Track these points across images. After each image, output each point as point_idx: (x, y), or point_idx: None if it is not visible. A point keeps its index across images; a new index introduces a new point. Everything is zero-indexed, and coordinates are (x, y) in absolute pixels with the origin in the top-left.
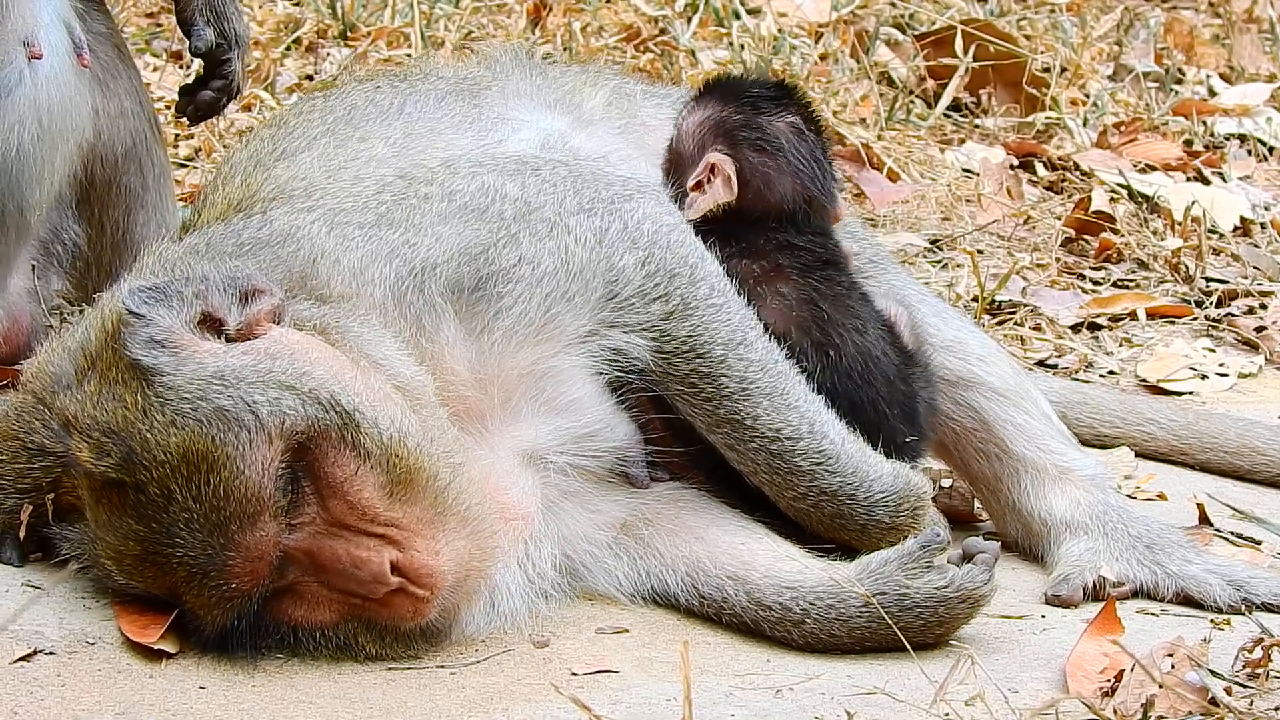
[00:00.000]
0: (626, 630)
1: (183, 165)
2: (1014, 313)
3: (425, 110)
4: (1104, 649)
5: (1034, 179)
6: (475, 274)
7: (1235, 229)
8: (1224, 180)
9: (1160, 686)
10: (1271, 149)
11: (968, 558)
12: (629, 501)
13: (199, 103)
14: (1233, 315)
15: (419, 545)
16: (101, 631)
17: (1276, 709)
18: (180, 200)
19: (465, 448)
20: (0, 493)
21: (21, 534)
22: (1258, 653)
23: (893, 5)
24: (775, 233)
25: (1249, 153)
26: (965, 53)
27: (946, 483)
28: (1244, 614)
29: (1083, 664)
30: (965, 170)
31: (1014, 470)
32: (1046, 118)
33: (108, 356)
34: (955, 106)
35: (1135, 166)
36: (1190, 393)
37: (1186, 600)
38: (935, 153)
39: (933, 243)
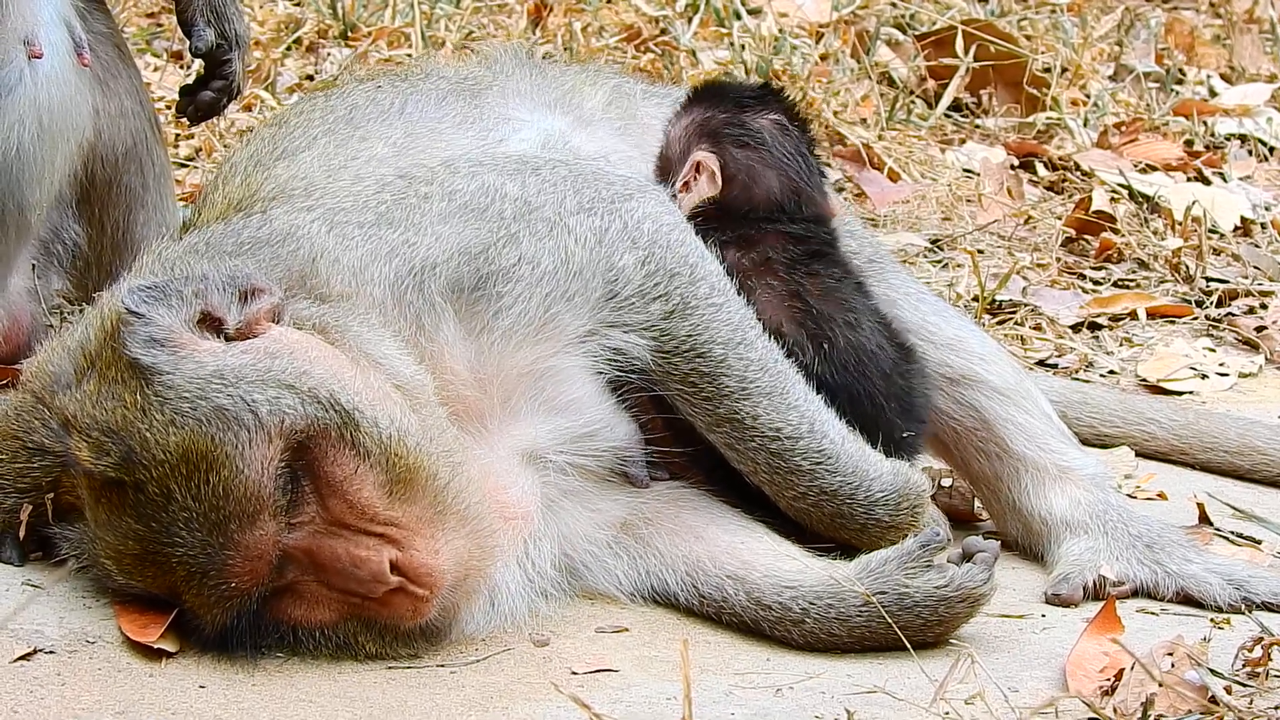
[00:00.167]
0: (626, 629)
1: (183, 165)
2: (1014, 312)
3: (426, 110)
4: (1104, 648)
5: (1034, 179)
6: (475, 273)
7: (1236, 229)
8: (1224, 180)
9: (1160, 685)
10: (1272, 149)
11: (967, 557)
12: (629, 501)
13: (199, 103)
14: (1233, 315)
15: (418, 544)
16: (101, 630)
17: (1276, 708)
18: (180, 200)
19: (465, 447)
20: (0, 492)
21: (21, 533)
22: (1257, 652)
23: (893, 5)
24: (767, 226)
25: (1249, 153)
26: (966, 53)
27: (947, 482)
28: (1244, 613)
29: (1083, 663)
30: (966, 170)
31: (1014, 469)
32: (1047, 118)
33: (107, 356)
34: (956, 106)
35: (1136, 166)
36: (1190, 392)
37: (1186, 599)
38: (936, 153)
39: (933, 242)
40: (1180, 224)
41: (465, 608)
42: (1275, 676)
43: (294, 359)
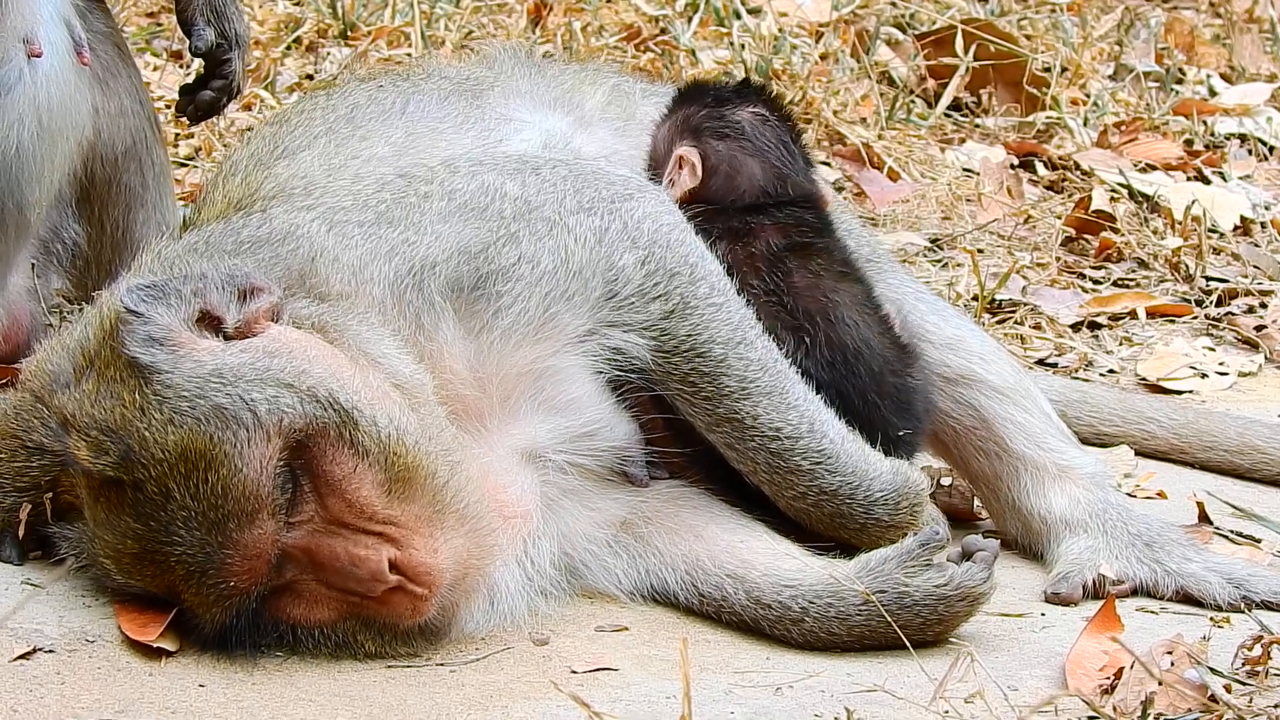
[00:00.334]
0: (626, 628)
1: (183, 165)
2: (1014, 311)
3: (428, 110)
4: (1103, 647)
5: (1034, 178)
6: (475, 273)
7: (1235, 228)
8: (1224, 180)
9: (1160, 684)
10: (1272, 149)
11: (967, 556)
12: (628, 500)
13: (199, 102)
14: (1233, 314)
15: (417, 543)
16: (101, 629)
17: (1276, 706)
18: (180, 200)
19: (464, 446)
20: None
21: (20, 532)
22: (1257, 650)
23: (893, 5)
24: (753, 220)
25: (1249, 152)
26: (966, 52)
27: (946, 481)
28: (1243, 612)
29: (1082, 661)
30: (965, 169)
31: (1014, 468)
32: (1047, 117)
33: (106, 355)
34: (956, 106)
35: (1135, 166)
36: (1190, 391)
37: (1186, 598)
38: (936, 152)
39: (933, 242)
40: (1180, 223)
41: (464, 607)
42: (1275, 675)
43: (293, 358)
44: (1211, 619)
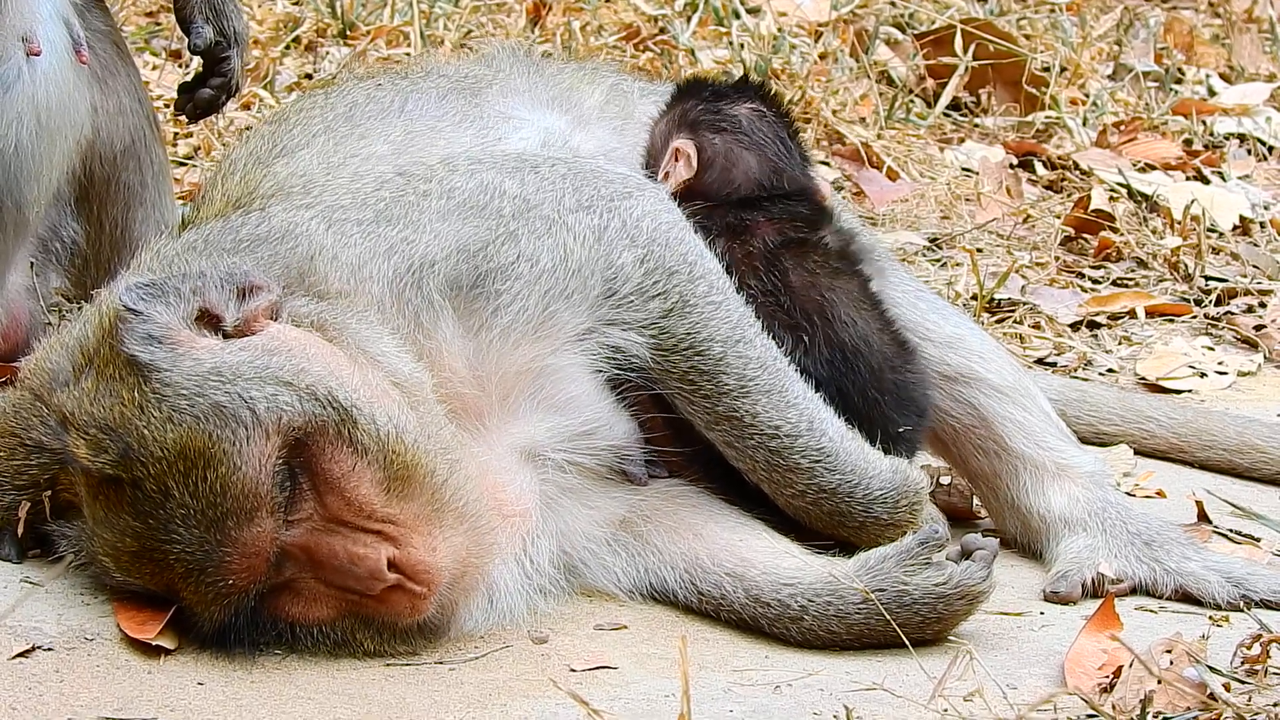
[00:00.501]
0: (625, 627)
1: (182, 164)
2: (1013, 311)
3: (427, 108)
4: (1103, 645)
5: (1033, 178)
6: (474, 271)
7: (1234, 228)
8: (1223, 179)
9: (1159, 682)
10: (1271, 148)
11: (966, 554)
12: (627, 498)
13: (198, 100)
14: (1232, 314)
15: (416, 542)
16: (100, 627)
17: (1275, 705)
18: (179, 198)
19: (463, 444)
20: None
21: (19, 530)
22: (1256, 649)
23: (892, 4)
24: (748, 217)
25: (1248, 152)
26: (965, 52)
27: (945, 480)
28: (1243, 610)
29: (1081, 660)
30: (965, 169)
31: (1013, 467)
32: (1046, 117)
33: (105, 353)
34: (955, 105)
35: (1135, 166)
36: (1189, 391)
37: (1185, 597)
38: (935, 151)
39: (932, 241)
40: (1179, 223)
41: (463, 605)
42: (1274, 674)
43: (292, 356)
44: (1210, 618)
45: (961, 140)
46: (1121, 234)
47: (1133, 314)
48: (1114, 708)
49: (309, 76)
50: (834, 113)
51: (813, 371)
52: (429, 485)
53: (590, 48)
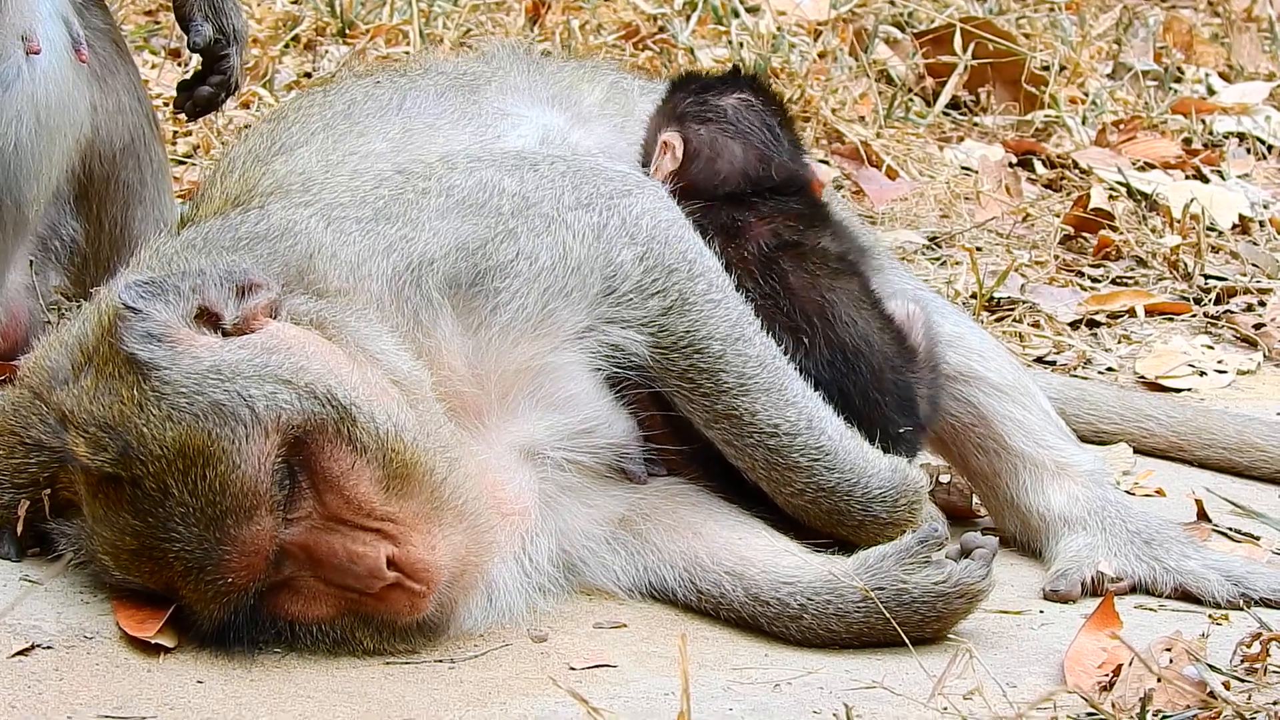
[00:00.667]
0: (624, 625)
1: (181, 162)
2: (1012, 309)
3: (425, 105)
4: (1102, 644)
5: (1033, 177)
6: (473, 269)
7: (1234, 227)
8: (1223, 178)
9: (1159, 681)
10: (1270, 147)
11: (966, 553)
12: (627, 497)
13: (197, 98)
14: (1231, 312)
15: (415, 540)
16: (99, 626)
17: (1275, 703)
18: (178, 197)
19: (462, 443)
20: None
21: (19, 529)
22: (1256, 647)
23: (891, 3)
24: (739, 218)
25: (1248, 151)
26: (964, 51)
27: (945, 478)
28: (1242, 609)
29: (1081, 658)
30: (964, 168)
31: (1012, 466)
32: (1045, 116)
33: (104, 351)
34: (954, 104)
35: (1134, 164)
36: (1189, 389)
37: (1185, 595)
38: (934, 150)
39: (931, 240)
40: (1179, 222)
41: (463, 603)
42: (1273, 672)
43: (291, 354)
44: (1210, 616)
45: (961, 139)
46: (1121, 233)
47: (1132, 312)
48: (1114, 706)
49: (308, 75)
50: (833, 111)
51: (814, 373)
52: (428, 483)
53: (589, 46)
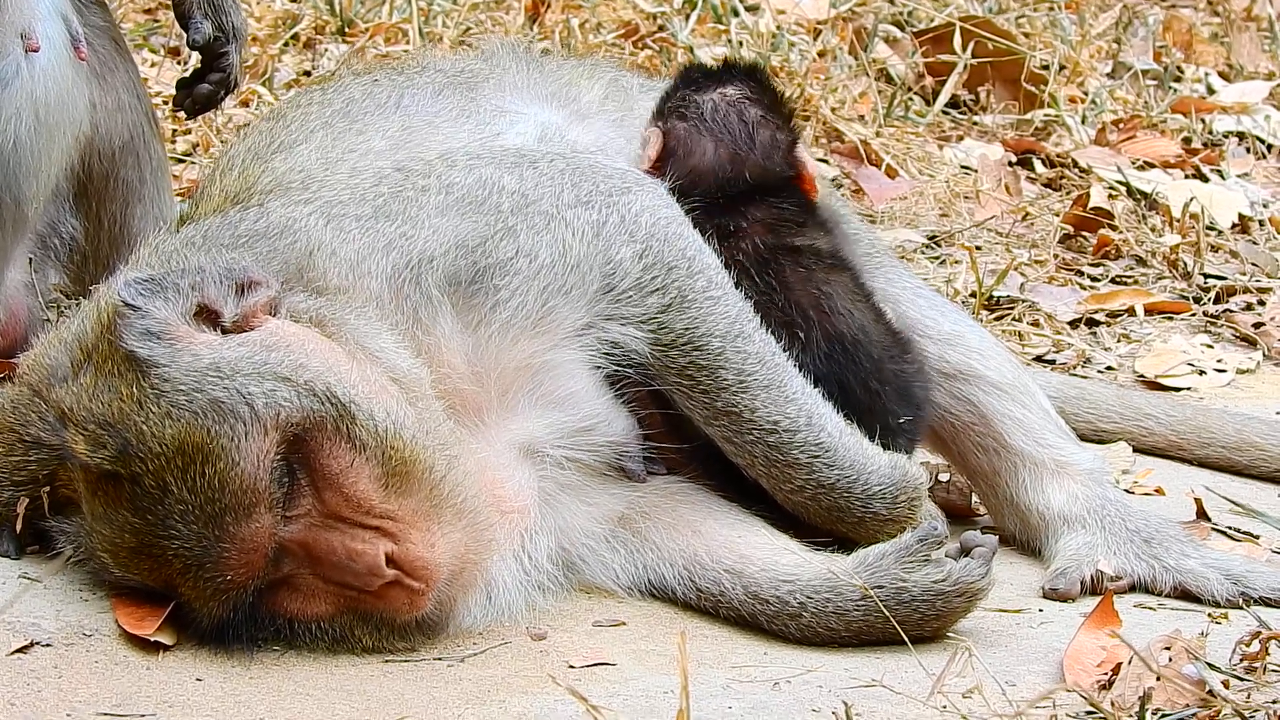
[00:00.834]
0: (624, 623)
1: (180, 160)
2: (1012, 308)
3: (423, 103)
4: (1101, 642)
5: (1032, 176)
6: (472, 267)
7: (1233, 226)
8: (1222, 178)
9: (1158, 679)
10: (1270, 146)
11: (965, 551)
12: (626, 495)
13: (196, 96)
14: (1231, 311)
15: (414, 538)
16: (98, 623)
17: (1274, 702)
18: (178, 195)
19: (461, 440)
20: None
21: (18, 526)
22: (1255, 646)
23: (891, 2)
24: (730, 224)
25: (1247, 150)
26: (964, 50)
27: (944, 477)
28: (1242, 608)
29: (1080, 657)
30: (964, 167)
31: (1012, 464)
32: (1045, 115)
33: (104, 349)
34: (954, 103)
35: (1134, 164)
36: (1188, 388)
37: (1184, 594)
38: (934, 149)
39: (931, 239)
40: (1178, 221)
41: (462, 601)
42: (1273, 671)
43: (290, 352)
44: (1209, 615)
45: (960, 138)
46: (1120, 232)
47: (1131, 311)
48: (1113, 704)
49: (307, 73)
50: (833, 110)
51: (814, 367)
52: (427, 481)
53: (589, 45)
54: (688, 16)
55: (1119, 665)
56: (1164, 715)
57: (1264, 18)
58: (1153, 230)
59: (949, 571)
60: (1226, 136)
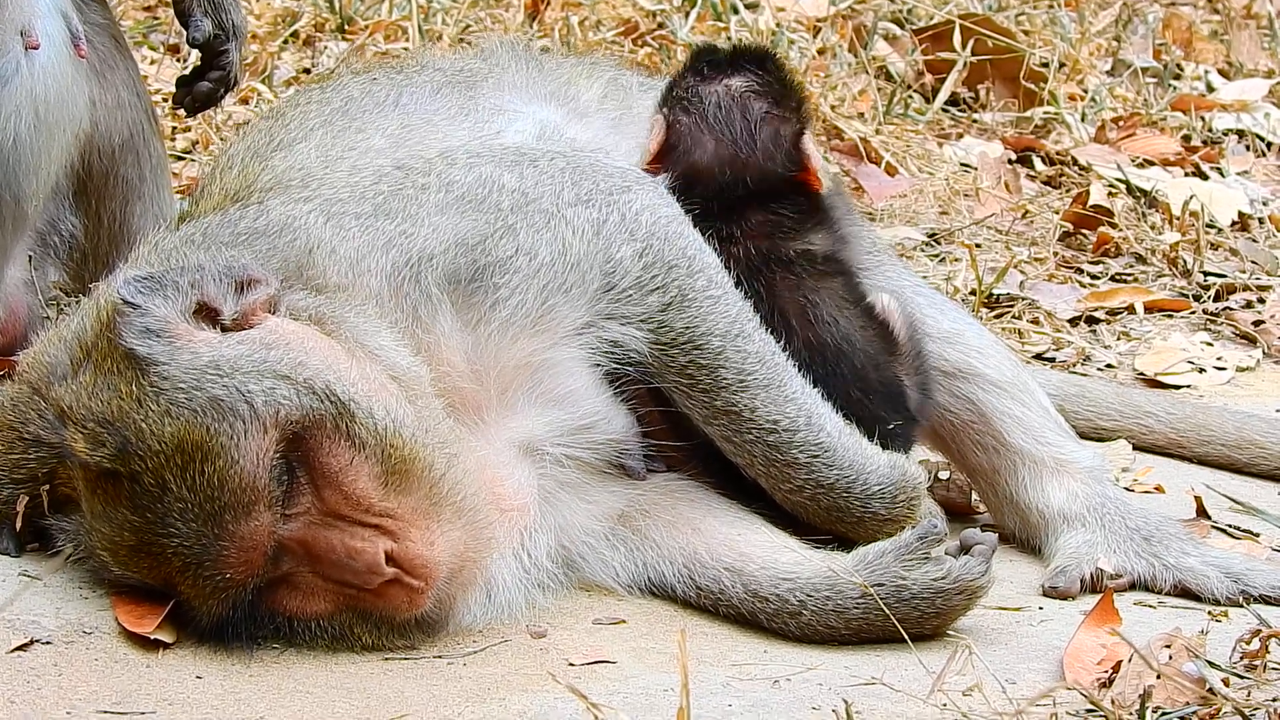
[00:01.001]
0: (624, 621)
1: (180, 158)
2: (1012, 306)
3: (421, 102)
4: (1102, 640)
5: (1032, 173)
6: (472, 265)
7: (1233, 224)
8: (1222, 175)
9: (1158, 677)
10: (1269, 144)
11: (965, 549)
12: (626, 493)
13: (196, 94)
14: (1230, 309)
15: (414, 536)
16: (98, 621)
17: (1274, 700)
18: (177, 193)
19: (461, 438)
20: None
21: (18, 524)
22: (1255, 644)
23: (891, 0)
24: (729, 228)
25: (1247, 148)
26: (963, 47)
27: (944, 475)
28: (1242, 606)
29: (1080, 655)
30: (963, 164)
31: (1011, 462)
32: (1045, 112)
33: (103, 346)
34: (953, 101)
35: (1133, 161)
36: (1188, 386)
37: (1184, 592)
38: (933, 147)
39: (931, 236)
40: (1178, 219)
41: (461, 599)
42: (1273, 669)
43: (290, 350)
44: (1209, 613)
45: (960, 136)
46: (1120, 229)
47: (1131, 309)
48: (1113, 702)
49: (307, 71)
50: (832, 108)
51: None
52: (427, 479)
53: (588, 43)
54: (687, 14)
55: (1119, 663)
56: (1164, 713)
57: (1264, 15)
58: (1152, 228)
59: (949, 569)
60: (1226, 134)
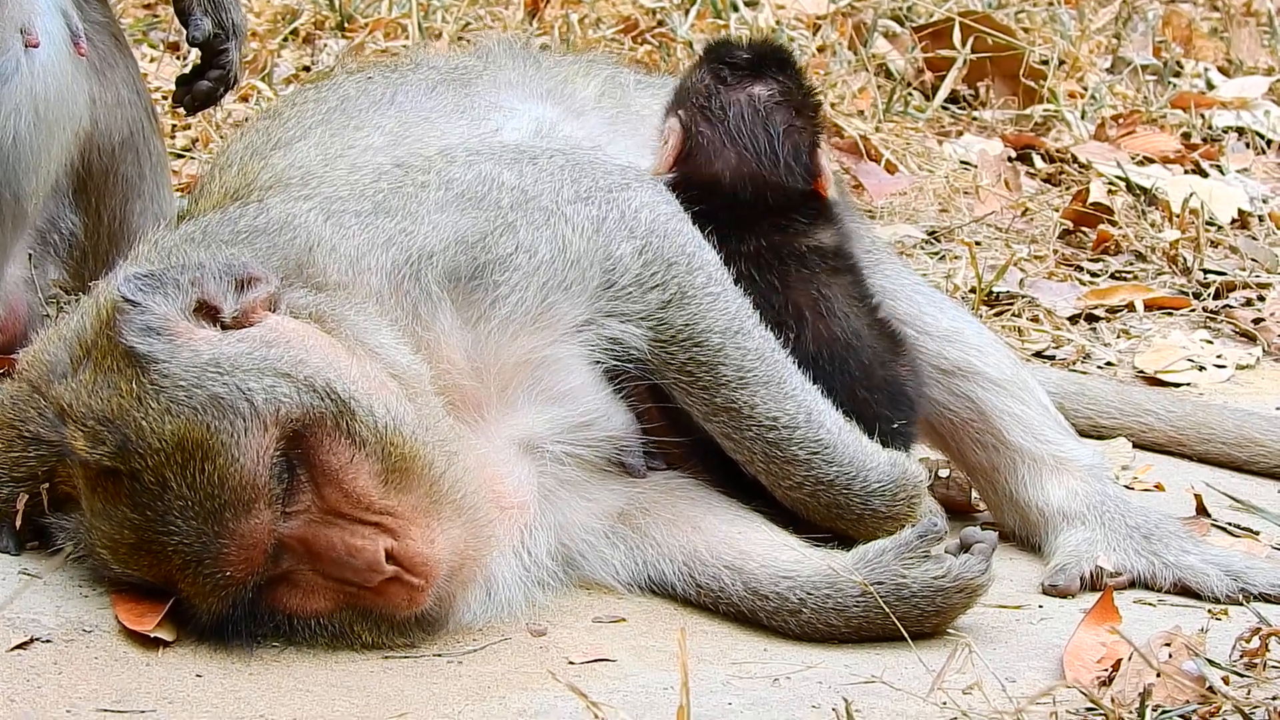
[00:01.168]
0: (624, 619)
1: (180, 156)
2: (1011, 304)
3: (417, 100)
4: (1101, 638)
5: (1032, 171)
6: (472, 262)
7: (1233, 221)
8: (1222, 173)
9: (1158, 675)
10: (1269, 142)
11: (965, 547)
12: (626, 490)
13: (196, 92)
14: (1230, 307)
15: (414, 534)
16: (98, 619)
17: (1274, 698)
18: (177, 191)
19: (461, 436)
20: None
21: (18, 522)
22: (1255, 642)
23: None
24: (736, 234)
25: (1247, 145)
26: (963, 45)
27: (944, 473)
28: (1241, 604)
29: (1080, 653)
30: (963, 162)
31: (1011, 460)
32: (1044, 110)
33: (103, 344)
34: (953, 99)
35: (1133, 159)
36: (1188, 384)
37: (1184, 590)
38: (933, 145)
39: (930, 234)
40: (1178, 216)
41: (462, 597)
42: (1273, 667)
43: (290, 347)
44: (1209, 611)
45: (960, 133)
46: (1120, 227)
47: (1131, 307)
48: (1113, 701)
49: (307, 69)
50: (832, 106)
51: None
52: (427, 477)
53: (588, 40)
54: (687, 11)
55: (1119, 661)
56: (1164, 712)
57: (1263, 13)
58: (1152, 226)
59: (949, 567)
60: (1226, 132)
